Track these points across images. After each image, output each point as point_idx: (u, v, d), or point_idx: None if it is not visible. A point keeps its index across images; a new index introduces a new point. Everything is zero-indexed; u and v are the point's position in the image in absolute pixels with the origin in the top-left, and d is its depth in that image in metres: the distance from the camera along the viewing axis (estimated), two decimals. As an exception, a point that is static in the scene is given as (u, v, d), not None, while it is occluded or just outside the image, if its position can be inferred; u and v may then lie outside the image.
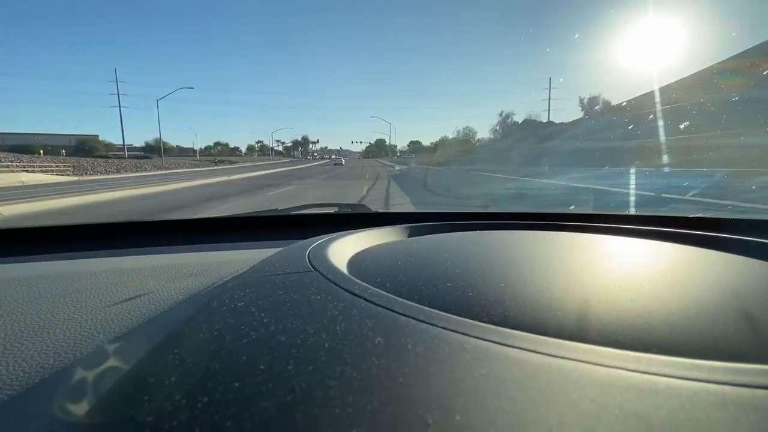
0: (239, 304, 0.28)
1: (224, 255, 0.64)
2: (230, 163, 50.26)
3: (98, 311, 0.39)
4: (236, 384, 0.19)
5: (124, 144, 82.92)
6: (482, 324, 0.24)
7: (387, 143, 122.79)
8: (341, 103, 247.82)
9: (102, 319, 0.37)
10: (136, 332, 0.35)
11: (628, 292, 0.29)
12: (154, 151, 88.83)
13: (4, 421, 0.25)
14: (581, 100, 50.81)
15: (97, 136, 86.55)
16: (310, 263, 0.36)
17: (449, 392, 0.17)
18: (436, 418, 0.16)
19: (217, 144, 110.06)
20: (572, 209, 4.81)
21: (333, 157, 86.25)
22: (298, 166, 37.63)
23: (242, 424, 0.16)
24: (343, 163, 45.26)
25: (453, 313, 0.25)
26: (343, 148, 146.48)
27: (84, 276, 0.51)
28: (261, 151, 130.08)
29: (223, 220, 0.95)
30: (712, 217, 0.88)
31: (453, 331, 0.22)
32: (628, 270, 0.36)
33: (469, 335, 0.22)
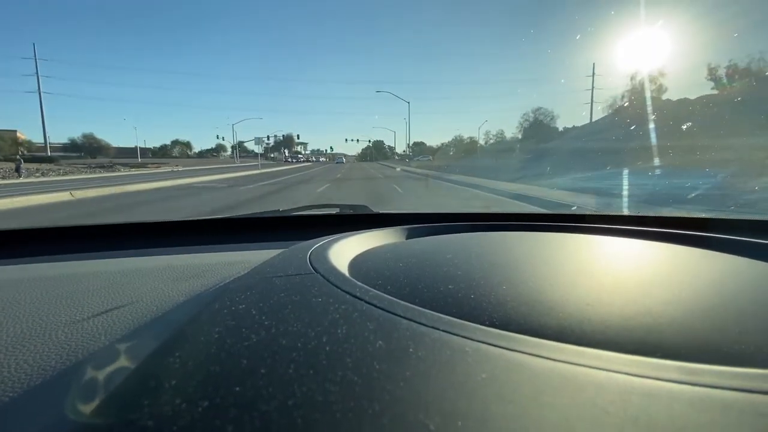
0: (241, 307, 0.28)
1: (226, 256, 0.64)
2: (132, 167, 29.57)
3: (100, 313, 0.39)
4: (237, 388, 0.19)
5: (46, 141, 62.70)
6: (484, 327, 0.24)
7: (386, 145, 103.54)
8: (334, 98, 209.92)
9: (104, 320, 0.37)
10: (137, 334, 0.35)
11: (630, 294, 0.29)
12: (81, 149, 68.54)
13: (5, 422, 0.25)
14: (711, 71, 30.68)
15: (15, 131, 65.03)
16: (311, 265, 0.36)
17: (451, 396, 0.17)
18: (437, 424, 0.16)
19: (175, 143, 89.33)
20: (574, 209, 5.26)
21: (322, 159, 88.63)
22: (241, 174, 19.07)
23: (243, 428, 0.16)
24: (344, 161, 50.91)
25: (454, 316, 0.25)
26: (334, 149, 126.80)
27: (86, 277, 0.51)
28: (232, 151, 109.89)
29: (225, 221, 0.96)
30: (716, 217, 0.89)
31: (454, 334, 0.22)
32: (630, 272, 0.36)
33: (470, 338, 0.22)
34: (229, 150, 74.55)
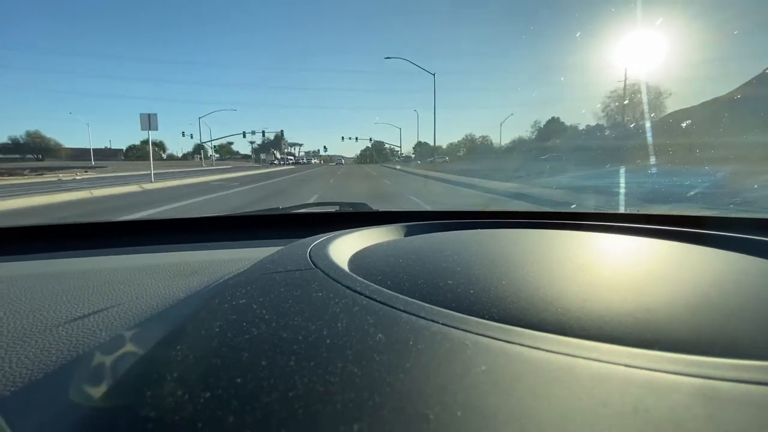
0: (241, 301, 0.29)
1: (227, 253, 0.65)
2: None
3: (102, 309, 0.39)
4: (238, 380, 0.19)
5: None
6: (483, 321, 0.24)
7: (386, 145, 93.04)
8: (331, 89, 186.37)
9: (105, 316, 0.37)
10: (139, 329, 0.35)
11: (628, 289, 0.30)
12: (25, 149, 58.11)
13: (7, 414, 0.25)
14: None
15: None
16: (311, 261, 0.36)
17: (450, 388, 0.17)
18: (437, 414, 0.16)
19: (146, 143, 78.42)
20: (573, 208, 5.28)
21: (314, 161, 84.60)
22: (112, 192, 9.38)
23: (244, 420, 0.16)
24: (343, 162, 53.13)
25: (454, 310, 0.25)
26: (331, 149, 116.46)
27: (88, 274, 0.52)
28: (222, 154, 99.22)
29: (226, 219, 0.98)
30: (713, 215, 0.89)
31: (454, 327, 0.23)
32: (628, 267, 0.37)
33: (470, 332, 0.22)
34: (211, 151, 63.91)
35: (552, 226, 0.57)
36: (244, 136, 49.61)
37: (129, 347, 0.31)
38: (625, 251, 0.43)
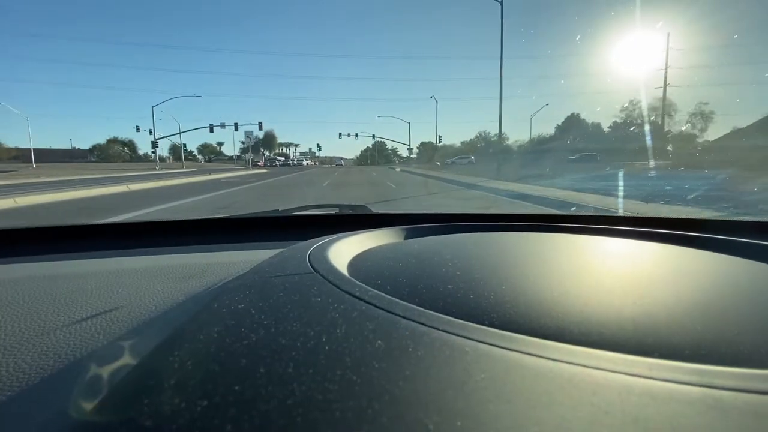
0: (240, 306, 0.29)
1: (225, 256, 0.65)
2: None
3: (99, 313, 0.39)
4: (236, 387, 0.19)
5: None
6: (483, 327, 0.24)
7: (388, 145, 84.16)
8: (327, 79, 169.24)
9: (102, 320, 0.37)
10: (136, 334, 0.35)
11: (628, 295, 0.30)
12: None
13: (3, 420, 0.25)
14: None
15: None
16: (310, 265, 0.36)
17: (450, 396, 0.17)
18: (436, 423, 0.16)
19: (113, 141, 69.17)
20: (573, 210, 5.27)
21: (306, 162, 78.40)
22: None
23: (242, 427, 0.16)
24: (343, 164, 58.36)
25: (454, 316, 0.25)
26: (323, 147, 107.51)
27: (85, 276, 0.52)
28: (206, 155, 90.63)
29: (224, 221, 0.98)
30: (714, 218, 0.92)
31: (454, 334, 0.23)
32: (629, 273, 0.36)
33: (470, 338, 0.22)
34: (182, 150, 54.73)
35: (552, 229, 0.57)
36: (212, 131, 40.42)
37: (126, 353, 0.31)
38: (625, 255, 0.43)
